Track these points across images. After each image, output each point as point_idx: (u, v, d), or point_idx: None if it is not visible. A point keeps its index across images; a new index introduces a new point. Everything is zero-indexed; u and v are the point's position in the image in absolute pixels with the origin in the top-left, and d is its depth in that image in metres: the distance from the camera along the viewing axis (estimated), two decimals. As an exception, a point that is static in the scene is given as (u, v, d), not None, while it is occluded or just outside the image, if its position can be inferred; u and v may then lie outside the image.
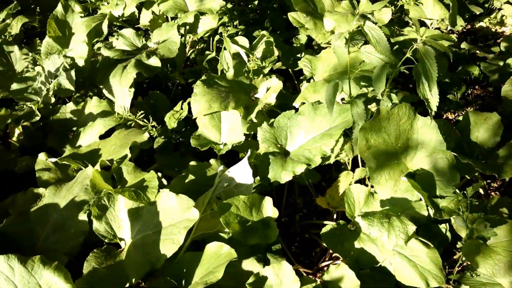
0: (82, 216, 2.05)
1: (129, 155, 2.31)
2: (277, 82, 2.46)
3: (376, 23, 2.96)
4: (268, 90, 2.47)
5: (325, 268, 2.20)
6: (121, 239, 1.97)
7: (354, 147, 2.17)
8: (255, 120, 2.43)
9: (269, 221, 1.95)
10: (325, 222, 2.17)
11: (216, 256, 1.74)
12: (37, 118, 2.76)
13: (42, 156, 2.48)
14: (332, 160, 2.15)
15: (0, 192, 2.75)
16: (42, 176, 2.40)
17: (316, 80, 2.64)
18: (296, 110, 2.33)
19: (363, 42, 2.00)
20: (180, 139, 2.81)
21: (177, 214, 1.84)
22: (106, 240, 1.95)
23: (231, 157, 2.63)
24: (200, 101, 2.30)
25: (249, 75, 2.71)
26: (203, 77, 2.47)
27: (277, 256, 1.93)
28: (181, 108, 2.68)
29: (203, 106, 2.27)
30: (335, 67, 2.57)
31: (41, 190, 2.27)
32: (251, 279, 1.72)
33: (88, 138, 2.62)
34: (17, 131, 3.03)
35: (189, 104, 2.61)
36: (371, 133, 2.04)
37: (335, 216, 2.35)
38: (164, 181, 2.28)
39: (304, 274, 2.07)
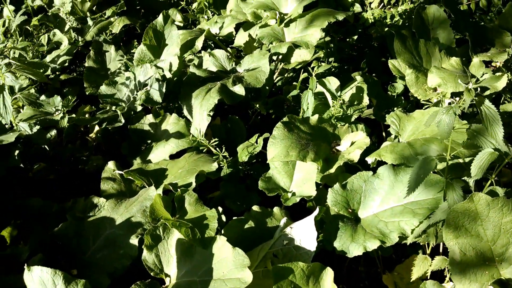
0: (134, 240, 1.98)
1: (194, 184, 2.22)
2: (363, 138, 2.24)
3: (486, 89, 2.65)
4: (353, 144, 2.26)
5: None
6: (167, 275, 1.87)
7: (439, 231, 1.90)
8: (331, 171, 2.23)
9: (325, 296, 1.75)
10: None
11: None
12: (120, 124, 2.78)
13: (111, 165, 2.47)
14: (409, 241, 1.89)
15: (65, 188, 2.81)
16: (106, 185, 2.39)
17: (401, 140, 2.38)
18: (374, 171, 2.08)
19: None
20: (249, 172, 2.68)
21: (229, 269, 1.70)
22: (152, 273, 1.86)
23: (296, 206, 2.45)
24: (278, 145, 2.15)
25: (332, 121, 2.52)
26: (285, 119, 2.32)
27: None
28: (256, 142, 2.55)
29: (280, 152, 2.12)
30: (423, 132, 2.30)
31: (101, 200, 2.25)
32: None
33: (158, 154, 2.58)
34: (97, 127, 3.10)
35: (265, 140, 2.48)
36: (463, 220, 1.76)
37: (400, 302, 2.08)
38: (223, 218, 2.17)
39: None
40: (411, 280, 1.90)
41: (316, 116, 2.42)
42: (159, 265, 1.87)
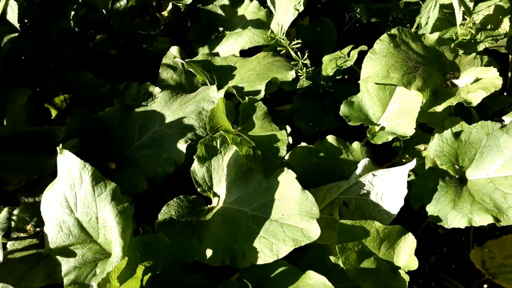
0: (182, 145, 1.67)
1: (263, 93, 1.82)
2: (494, 78, 1.68)
3: None
4: (476, 81, 1.71)
5: None
6: (215, 195, 1.57)
7: None
8: (438, 110, 1.72)
9: (398, 267, 1.38)
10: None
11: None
12: (188, 1, 2.36)
13: (173, 51, 2.11)
14: None
15: (124, 68, 2.53)
16: (165, 74, 2.06)
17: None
18: (503, 124, 1.55)
19: None
20: (331, 89, 2.22)
21: (291, 213, 1.35)
22: (199, 189, 1.57)
23: (381, 147, 2.00)
24: (377, 63, 1.66)
25: (453, 45, 1.94)
26: (393, 31, 1.78)
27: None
28: (348, 55, 2.05)
29: (379, 71, 1.63)
30: None
31: (156, 90, 1.93)
32: None
33: (229, 47, 2.16)
34: (170, 6, 2.70)
35: (360, 54, 1.97)
36: None
37: (485, 286, 1.67)
38: (290, 139, 1.79)
39: None
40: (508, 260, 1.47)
41: (436, 35, 1.85)
42: (209, 182, 1.57)
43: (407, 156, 1.90)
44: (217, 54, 2.14)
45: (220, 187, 1.57)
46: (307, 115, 2.16)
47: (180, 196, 1.54)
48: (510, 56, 2.16)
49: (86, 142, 1.76)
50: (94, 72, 2.16)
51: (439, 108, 1.65)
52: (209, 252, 1.37)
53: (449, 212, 1.40)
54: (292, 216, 1.36)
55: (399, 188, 1.41)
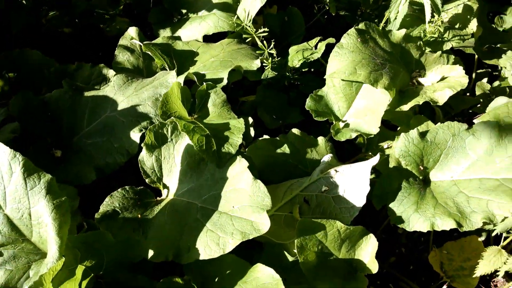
0: (136, 134, 1.56)
1: (225, 81, 1.72)
2: (460, 76, 1.65)
3: None
4: (442, 80, 1.68)
5: None
6: (165, 186, 1.47)
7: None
8: (404, 109, 1.68)
9: (358, 269, 1.32)
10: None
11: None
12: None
13: (131, 32, 1.98)
14: (497, 232, 1.40)
15: (77, 48, 2.36)
16: (122, 55, 1.92)
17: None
18: (469, 125, 1.52)
19: None
20: (297, 82, 2.15)
21: (242, 204, 1.26)
22: (147, 180, 1.46)
23: (345, 143, 1.95)
24: (344, 58, 1.59)
25: (420, 43, 1.91)
26: (361, 26, 1.72)
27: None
28: (315, 47, 1.98)
29: (346, 67, 1.56)
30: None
31: (111, 73, 1.80)
32: None
33: (192, 31, 2.05)
34: (130, -15, 2.54)
35: (327, 47, 1.91)
36: None
37: (443, 288, 1.65)
38: (252, 132, 1.71)
39: None
40: (474, 275, 1.45)
41: (403, 31, 1.80)
42: (159, 172, 1.46)
43: (370, 153, 1.86)
44: (178, 38, 2.01)
45: (170, 178, 1.46)
46: (272, 108, 2.08)
47: (126, 187, 1.43)
48: (476, 56, 2.16)
49: (30, 127, 1.61)
50: (45, 52, 1.99)
51: (406, 107, 1.61)
52: (153, 248, 1.27)
53: (412, 215, 1.36)
54: (243, 208, 1.27)
55: (362, 185, 1.36)
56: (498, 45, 2.17)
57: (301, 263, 1.26)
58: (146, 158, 1.45)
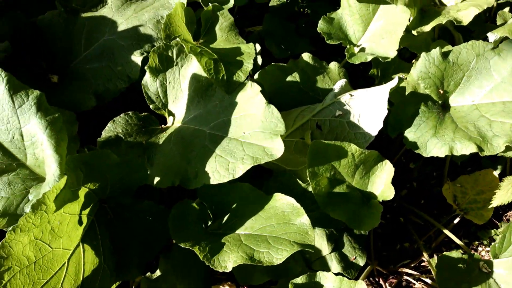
0: (137, 57, 1.46)
1: (232, 2, 1.60)
2: (487, -5, 1.52)
3: None
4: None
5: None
6: (170, 113, 1.39)
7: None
8: (425, 30, 1.55)
9: (373, 197, 1.27)
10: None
11: (283, 218, 1.12)
12: None
13: (128, -50, 1.82)
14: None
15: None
16: (118, -24, 1.77)
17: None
18: (495, 45, 1.40)
19: None
20: (306, 9, 2.02)
21: (254, 130, 1.18)
22: (151, 106, 1.38)
23: (357, 74, 1.85)
24: (363, -29, 1.46)
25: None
26: None
27: (356, 246, 1.30)
28: (328, -32, 1.83)
29: (364, -20, 1.43)
30: None
31: (107, -7, 1.66)
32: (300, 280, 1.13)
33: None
34: None
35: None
36: None
37: (456, 221, 1.61)
38: (259, 60, 1.61)
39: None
40: (490, 206, 1.39)
41: None
42: (163, 98, 1.38)
43: (384, 83, 1.76)
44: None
45: (176, 104, 1.38)
46: (280, 37, 1.97)
47: (129, 112, 1.35)
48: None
49: (21, 51, 1.51)
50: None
51: (427, 28, 1.49)
52: (158, 175, 1.21)
53: (429, 140, 1.28)
54: (255, 134, 1.19)
55: (379, 109, 1.27)
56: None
57: (313, 189, 1.20)
58: (150, 83, 1.36)
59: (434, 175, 1.87)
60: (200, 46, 1.38)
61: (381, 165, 1.26)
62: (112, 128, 1.29)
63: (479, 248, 1.70)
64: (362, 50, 1.59)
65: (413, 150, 1.32)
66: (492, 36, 1.57)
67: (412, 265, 1.61)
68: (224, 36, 1.52)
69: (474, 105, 1.34)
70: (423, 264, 1.64)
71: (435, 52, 1.34)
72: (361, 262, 1.31)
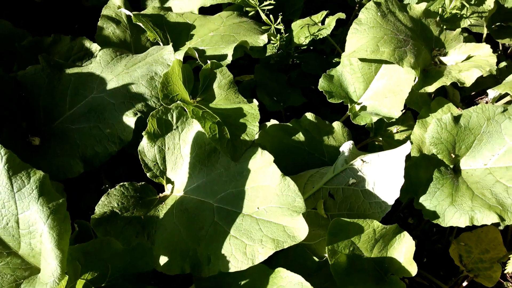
0: (130, 118, 1.34)
1: (230, 58, 1.52)
2: (488, 55, 1.52)
3: None
4: (468, 59, 1.54)
5: None
6: (169, 181, 1.27)
7: None
8: (429, 90, 1.53)
9: (390, 271, 1.18)
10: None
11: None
12: None
13: (117, 0, 1.72)
14: None
15: (52, 19, 2.09)
16: (106, 28, 1.67)
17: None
18: (504, 108, 1.38)
19: None
20: (297, 61, 1.97)
21: (269, 205, 1.08)
22: (148, 174, 1.26)
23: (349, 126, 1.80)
24: (364, 34, 1.43)
25: (439, 20, 1.76)
26: (382, -3, 1.56)
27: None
28: (322, 23, 1.80)
29: (367, 44, 1.40)
30: None
31: (94, 47, 1.57)
32: None
33: (184, 2, 1.82)
34: None
35: (338, 21, 1.74)
36: None
37: (464, 284, 1.55)
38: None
39: None
40: (505, 271, 1.34)
41: (424, 5, 1.65)
42: (162, 165, 1.26)
43: (380, 138, 1.72)
44: (170, 10, 1.78)
45: (175, 171, 1.27)
46: (272, 89, 1.90)
47: (125, 183, 1.22)
48: (483, 35, 2.03)
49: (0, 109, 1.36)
50: (13, 22, 1.72)
51: (431, 89, 1.47)
52: (163, 257, 1.08)
53: (447, 209, 1.23)
54: (270, 209, 1.09)
55: (395, 176, 1.21)
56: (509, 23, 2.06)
57: (332, 267, 1.11)
58: (147, 149, 1.24)
59: (434, 231, 1.82)
60: (200, 106, 1.28)
61: (399, 237, 1.19)
62: (107, 203, 1.15)
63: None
64: (364, 108, 1.54)
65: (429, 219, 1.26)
66: (492, 92, 1.57)
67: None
68: (223, 94, 1.43)
69: (487, 169, 1.31)
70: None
71: (447, 117, 1.31)
72: None
